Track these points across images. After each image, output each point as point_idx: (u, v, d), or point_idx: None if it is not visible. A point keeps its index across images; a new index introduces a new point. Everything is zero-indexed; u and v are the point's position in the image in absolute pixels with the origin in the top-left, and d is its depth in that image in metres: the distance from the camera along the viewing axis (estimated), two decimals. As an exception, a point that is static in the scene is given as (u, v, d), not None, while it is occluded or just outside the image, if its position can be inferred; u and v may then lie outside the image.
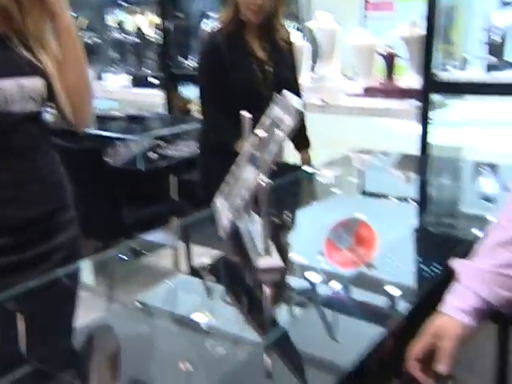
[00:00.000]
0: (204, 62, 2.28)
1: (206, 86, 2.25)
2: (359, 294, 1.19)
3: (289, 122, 1.19)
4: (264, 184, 1.18)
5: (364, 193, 2.15)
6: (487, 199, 1.88)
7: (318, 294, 1.21)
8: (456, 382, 0.96)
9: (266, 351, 1.00)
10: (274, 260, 1.22)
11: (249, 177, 1.25)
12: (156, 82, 3.75)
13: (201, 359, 0.98)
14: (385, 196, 1.95)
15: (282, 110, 1.25)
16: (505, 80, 2.54)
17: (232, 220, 1.26)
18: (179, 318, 1.14)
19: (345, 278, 1.23)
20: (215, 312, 1.13)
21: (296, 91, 2.27)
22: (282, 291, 1.24)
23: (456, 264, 1.01)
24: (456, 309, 0.95)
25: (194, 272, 1.37)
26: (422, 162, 2.53)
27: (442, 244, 1.43)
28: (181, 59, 3.70)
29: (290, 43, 2.29)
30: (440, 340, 0.94)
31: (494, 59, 2.69)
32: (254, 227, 1.35)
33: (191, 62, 3.63)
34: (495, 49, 2.73)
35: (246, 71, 2.15)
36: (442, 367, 0.93)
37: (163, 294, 1.27)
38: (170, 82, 3.66)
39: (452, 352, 0.93)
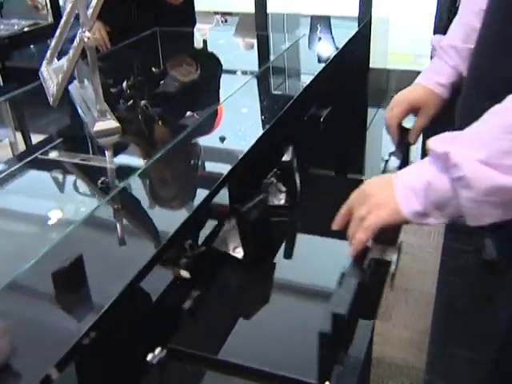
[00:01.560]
0: None
1: None
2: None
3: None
4: (87, 40, 1.10)
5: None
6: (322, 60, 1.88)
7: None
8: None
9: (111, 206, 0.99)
10: (109, 122, 1.18)
11: (75, 37, 1.16)
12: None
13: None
14: (228, 66, 1.87)
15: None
16: None
17: (60, 84, 1.17)
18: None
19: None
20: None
21: None
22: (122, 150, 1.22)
23: (433, 40, 1.02)
24: (435, 83, 0.99)
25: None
26: (260, 21, 2.49)
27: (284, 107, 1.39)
28: None
29: None
30: (420, 109, 1.00)
31: None
32: (88, 92, 1.29)
33: None
34: None
35: None
36: (412, 138, 1.03)
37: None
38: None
39: (424, 126, 1.01)
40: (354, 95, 1.99)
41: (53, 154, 1.17)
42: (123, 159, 1.19)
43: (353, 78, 2.02)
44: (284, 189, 1.12)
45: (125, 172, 1.06)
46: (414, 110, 1.03)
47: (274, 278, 0.95)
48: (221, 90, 1.60)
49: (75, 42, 1.13)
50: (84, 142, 1.27)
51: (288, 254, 1.01)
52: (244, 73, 1.72)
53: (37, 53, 2.76)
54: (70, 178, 1.13)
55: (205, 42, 2.23)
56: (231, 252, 0.94)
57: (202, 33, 2.45)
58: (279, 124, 1.26)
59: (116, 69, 1.78)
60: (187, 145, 1.21)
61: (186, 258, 0.86)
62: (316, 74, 1.58)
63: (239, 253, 0.93)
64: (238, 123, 1.30)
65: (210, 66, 1.83)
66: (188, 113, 1.43)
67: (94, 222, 0.92)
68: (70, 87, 1.38)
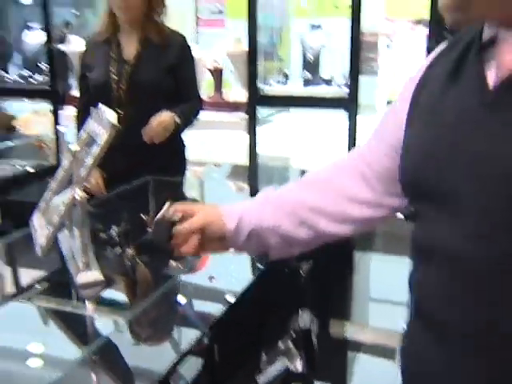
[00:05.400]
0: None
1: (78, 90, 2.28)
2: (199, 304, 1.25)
3: (103, 135, 1.20)
4: (79, 198, 1.17)
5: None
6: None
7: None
8: None
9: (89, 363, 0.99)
10: (93, 274, 1.21)
11: (65, 192, 1.24)
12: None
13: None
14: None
15: (97, 124, 1.25)
16: (319, 94, 2.79)
17: (49, 236, 1.23)
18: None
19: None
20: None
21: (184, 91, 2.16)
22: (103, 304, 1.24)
23: None
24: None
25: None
26: (251, 172, 2.65)
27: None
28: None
29: (165, 39, 2.14)
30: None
31: (309, 75, 2.94)
32: (75, 241, 1.33)
33: (12, 75, 3.43)
34: (311, 66, 2.99)
35: (100, 72, 2.13)
36: None
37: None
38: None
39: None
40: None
41: (35, 299, 1.20)
42: (105, 308, 1.22)
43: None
44: (301, 355, 1.08)
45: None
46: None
47: None
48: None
49: (67, 197, 1.20)
50: (69, 288, 1.30)
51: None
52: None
53: (37, 191, 2.88)
54: (52, 324, 1.15)
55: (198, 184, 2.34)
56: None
57: (195, 175, 2.58)
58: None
59: (108, 215, 1.85)
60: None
61: None
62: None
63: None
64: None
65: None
66: (172, 263, 1.47)
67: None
68: (59, 234, 1.44)
